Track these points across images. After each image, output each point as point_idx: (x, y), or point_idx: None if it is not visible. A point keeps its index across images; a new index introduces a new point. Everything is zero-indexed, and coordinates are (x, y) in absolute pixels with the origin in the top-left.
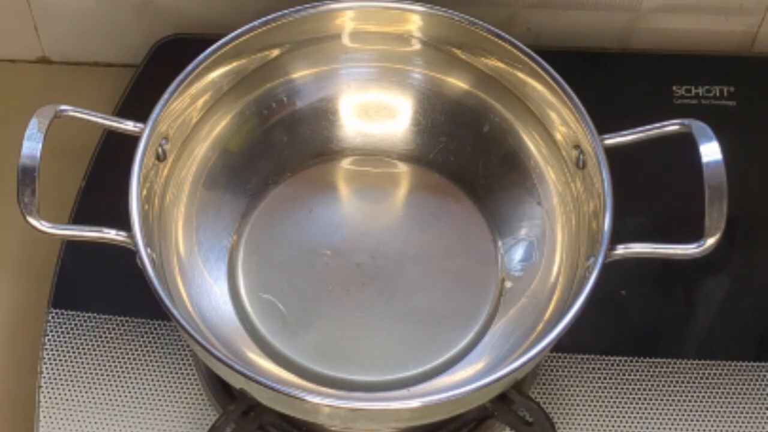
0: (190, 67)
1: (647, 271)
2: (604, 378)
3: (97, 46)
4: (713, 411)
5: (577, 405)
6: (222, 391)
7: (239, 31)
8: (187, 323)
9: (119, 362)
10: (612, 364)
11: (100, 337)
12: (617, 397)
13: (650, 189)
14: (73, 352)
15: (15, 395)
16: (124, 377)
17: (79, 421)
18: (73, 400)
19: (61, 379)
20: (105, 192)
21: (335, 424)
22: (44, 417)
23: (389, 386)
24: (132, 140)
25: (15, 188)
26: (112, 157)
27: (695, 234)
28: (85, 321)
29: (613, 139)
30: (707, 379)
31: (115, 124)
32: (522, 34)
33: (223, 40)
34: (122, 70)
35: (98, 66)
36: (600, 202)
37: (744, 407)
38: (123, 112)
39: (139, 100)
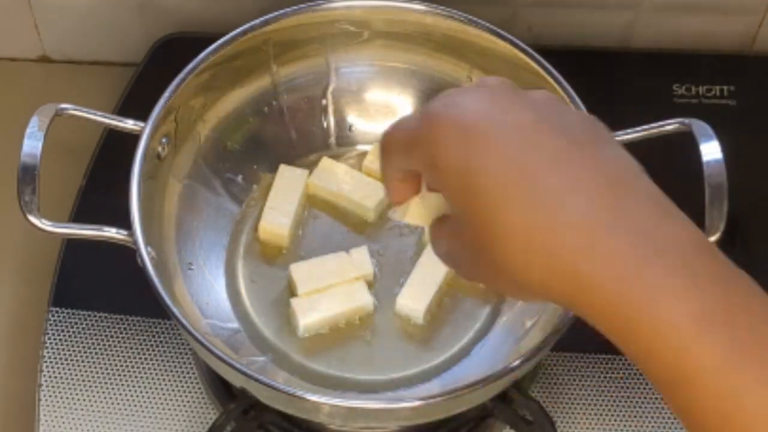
0: (190, 66)
1: None
2: (604, 377)
3: (98, 44)
4: None
5: (577, 404)
6: (222, 390)
7: (239, 29)
8: (187, 322)
9: (120, 361)
10: (612, 364)
11: (101, 335)
12: (617, 396)
13: None
14: (74, 351)
15: (15, 395)
16: (125, 376)
17: (79, 419)
18: (73, 398)
19: (61, 378)
20: (105, 190)
21: (335, 423)
22: (44, 416)
23: (389, 385)
24: (132, 139)
25: (15, 187)
26: (113, 155)
27: None
28: (85, 320)
29: None
30: None
31: (115, 123)
32: (523, 33)
33: (224, 38)
34: (123, 68)
35: (99, 65)
36: None
37: None
38: (123, 111)
39: (139, 98)
